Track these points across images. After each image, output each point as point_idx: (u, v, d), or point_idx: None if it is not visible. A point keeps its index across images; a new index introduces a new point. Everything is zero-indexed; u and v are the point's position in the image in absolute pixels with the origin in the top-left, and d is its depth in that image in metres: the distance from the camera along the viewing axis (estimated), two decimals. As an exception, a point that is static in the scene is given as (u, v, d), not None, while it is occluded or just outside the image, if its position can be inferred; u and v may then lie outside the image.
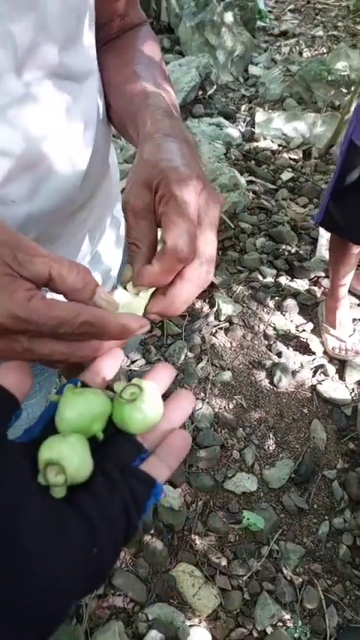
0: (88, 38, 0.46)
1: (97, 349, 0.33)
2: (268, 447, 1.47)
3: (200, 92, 2.81)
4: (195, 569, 1.26)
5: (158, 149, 0.36)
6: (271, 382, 1.61)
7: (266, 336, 1.74)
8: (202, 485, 1.38)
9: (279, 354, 1.68)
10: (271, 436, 1.49)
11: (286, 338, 1.74)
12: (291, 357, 1.68)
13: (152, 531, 1.30)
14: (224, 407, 1.55)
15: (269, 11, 4.21)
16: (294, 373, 1.63)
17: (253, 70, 3.23)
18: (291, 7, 4.31)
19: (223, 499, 1.38)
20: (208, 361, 1.65)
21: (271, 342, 1.72)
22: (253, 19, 3.59)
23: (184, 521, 1.32)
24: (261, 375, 1.63)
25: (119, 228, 0.71)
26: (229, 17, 3.13)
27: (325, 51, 3.55)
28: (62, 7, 0.40)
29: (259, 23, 3.89)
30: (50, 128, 0.44)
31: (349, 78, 2.77)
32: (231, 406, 1.55)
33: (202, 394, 1.57)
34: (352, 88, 2.34)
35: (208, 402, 1.54)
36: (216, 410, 1.54)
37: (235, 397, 1.57)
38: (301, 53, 3.52)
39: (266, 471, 1.42)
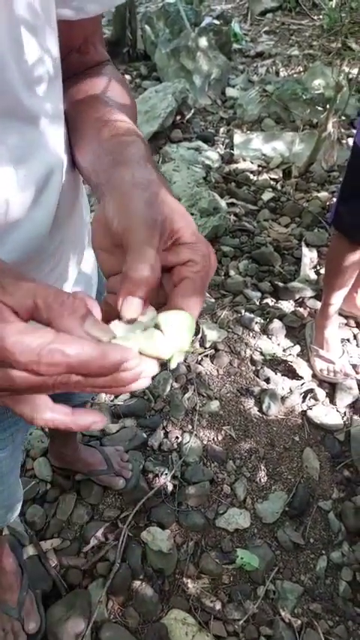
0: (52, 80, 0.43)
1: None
2: (260, 480, 1.42)
3: (178, 117, 2.83)
4: (188, 615, 1.19)
5: (164, 196, 0.33)
6: (260, 410, 1.57)
7: (253, 362, 1.70)
8: (193, 524, 1.32)
9: (267, 380, 1.64)
10: (263, 467, 1.44)
11: (274, 362, 1.70)
12: (279, 383, 1.63)
13: (141, 577, 1.24)
14: (213, 438, 1.50)
15: (245, 34, 4.29)
16: (283, 399, 1.59)
17: (231, 92, 3.26)
18: (266, 28, 4.39)
19: (215, 538, 1.32)
20: (194, 391, 1.61)
21: (259, 368, 1.68)
22: (228, 43, 3.64)
23: (175, 564, 1.26)
24: (249, 403, 1.58)
25: (91, 270, 0.68)
26: (203, 42, 3.18)
27: (301, 70, 3.60)
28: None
29: (235, 46, 3.95)
30: (10, 176, 0.40)
31: (325, 95, 2.79)
32: (220, 437, 1.50)
33: (190, 426, 1.52)
34: (328, 105, 2.35)
35: (195, 435, 1.50)
36: (204, 442, 1.49)
37: (224, 428, 1.52)
38: (277, 73, 3.57)
39: (259, 505, 1.37)
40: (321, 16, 4.39)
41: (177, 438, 1.49)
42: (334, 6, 4.43)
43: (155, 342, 0.29)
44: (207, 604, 1.21)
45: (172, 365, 0.32)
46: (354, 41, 3.76)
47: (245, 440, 1.50)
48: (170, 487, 1.38)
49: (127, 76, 3.51)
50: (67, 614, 1.14)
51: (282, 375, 1.66)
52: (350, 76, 3.06)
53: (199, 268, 0.32)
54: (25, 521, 1.30)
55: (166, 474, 1.40)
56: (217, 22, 3.70)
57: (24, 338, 0.25)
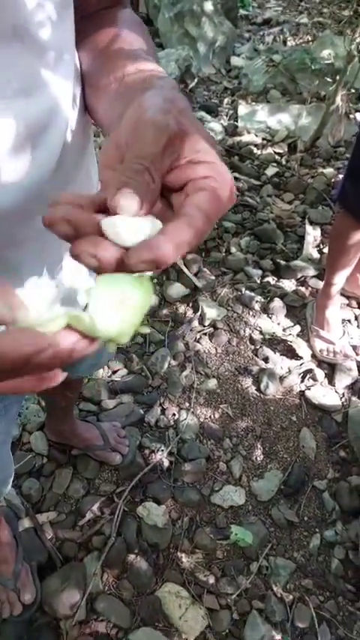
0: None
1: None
2: (256, 458, 1.42)
3: (181, 85, 2.72)
4: (182, 589, 1.21)
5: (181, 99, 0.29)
6: (258, 389, 1.56)
7: (252, 341, 1.68)
8: (188, 500, 1.33)
9: (265, 360, 1.62)
10: (259, 446, 1.44)
11: (273, 342, 1.68)
12: (278, 362, 1.62)
13: (136, 551, 1.25)
14: (210, 417, 1.50)
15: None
16: (281, 379, 1.58)
17: (236, 61, 3.14)
18: (274, -6, 4.21)
19: (210, 514, 1.33)
20: (192, 369, 1.59)
21: (258, 347, 1.66)
22: (234, 8, 3.49)
23: (170, 538, 1.27)
24: (247, 382, 1.57)
25: None
26: (209, 6, 3.04)
27: (310, 39, 3.46)
28: None
29: (242, 12, 3.79)
30: (12, 106, 0.37)
31: (334, 66, 2.69)
32: (217, 415, 1.50)
33: (187, 404, 1.51)
34: (337, 77, 2.26)
35: (193, 412, 1.49)
36: (201, 420, 1.48)
37: (221, 406, 1.52)
38: (285, 42, 3.44)
39: (254, 483, 1.37)
40: (332, -18, 4.20)
41: (174, 415, 1.48)
42: (346, -29, 4.23)
43: (83, 321, 0.22)
44: (200, 578, 1.23)
45: (110, 349, 0.26)
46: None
47: (242, 418, 1.49)
48: (166, 463, 1.38)
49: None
50: (63, 586, 1.16)
51: (281, 355, 1.65)
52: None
53: (216, 186, 0.26)
54: (21, 494, 1.30)
55: (163, 450, 1.39)
56: (223, -16, 3.53)
57: None
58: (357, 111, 2.52)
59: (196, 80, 2.81)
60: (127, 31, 0.46)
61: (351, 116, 2.47)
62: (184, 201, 0.26)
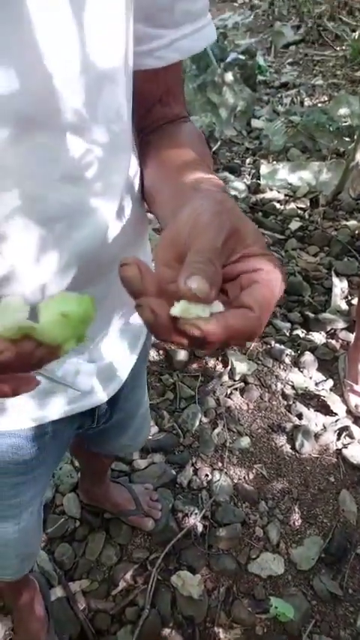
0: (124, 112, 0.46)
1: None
2: (294, 523, 1.36)
3: (205, 148, 2.88)
4: (220, 669, 1.13)
5: (233, 205, 0.32)
6: (293, 447, 1.51)
7: (284, 396, 1.66)
8: (224, 568, 1.27)
9: (299, 416, 1.59)
10: (297, 509, 1.38)
11: (306, 397, 1.65)
12: (312, 419, 1.58)
13: (171, 624, 1.19)
14: (244, 477, 1.46)
15: (269, 65, 4.38)
16: (317, 436, 1.54)
17: (256, 123, 3.31)
18: (290, 60, 4.47)
19: (247, 584, 1.26)
20: (224, 426, 1.57)
21: (290, 402, 1.63)
22: (253, 75, 3.72)
23: (206, 611, 1.21)
24: (281, 440, 1.54)
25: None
26: (229, 77, 3.25)
27: (326, 99, 3.63)
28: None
29: (260, 77, 4.03)
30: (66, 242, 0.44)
31: (351, 124, 2.80)
32: (251, 476, 1.46)
33: (220, 463, 1.48)
34: (356, 136, 2.35)
35: (226, 473, 1.45)
36: (235, 481, 1.44)
37: (255, 466, 1.48)
38: (302, 103, 3.61)
39: (293, 551, 1.30)
40: (344, 47, 4.45)
41: (207, 475, 1.45)
42: (357, 37, 4.50)
43: (36, 330, 0.27)
44: (240, 657, 1.15)
45: (62, 351, 0.29)
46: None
47: (278, 479, 1.45)
48: (200, 528, 1.34)
49: (155, 110, 3.62)
50: (95, 664, 1.11)
51: (315, 411, 1.61)
52: (376, 104, 3.07)
53: (271, 279, 0.29)
54: (54, 560, 1.28)
55: (196, 513, 1.36)
56: (242, 57, 3.80)
57: None
58: (377, 165, 2.59)
59: (219, 143, 2.97)
60: (188, 143, 0.51)
61: (371, 170, 2.53)
62: (240, 293, 0.29)
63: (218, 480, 1.43)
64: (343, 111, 3.01)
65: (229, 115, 3.23)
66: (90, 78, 0.40)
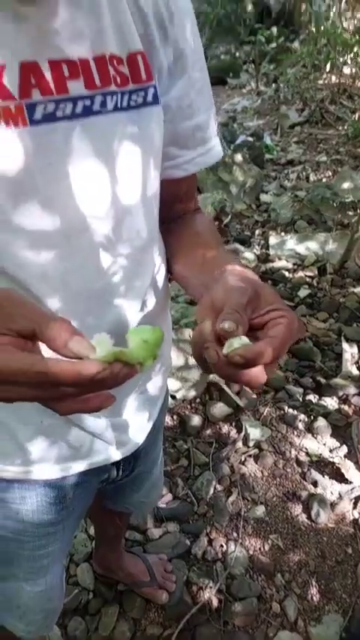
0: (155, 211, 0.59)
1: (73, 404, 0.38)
2: (312, 598, 1.32)
3: (217, 222, 3.08)
4: None
5: (255, 276, 0.45)
6: (309, 517, 1.50)
7: (299, 463, 1.66)
8: (241, 648, 1.23)
9: (314, 484, 1.59)
10: (314, 583, 1.35)
11: (320, 464, 1.65)
12: (328, 487, 1.58)
13: None
14: (259, 548, 1.44)
15: (276, 144, 4.74)
16: (332, 505, 1.52)
17: (265, 197, 3.54)
18: (295, 139, 4.84)
19: (265, 667, 1.21)
20: (238, 494, 1.57)
21: (305, 470, 1.63)
22: (261, 155, 4.04)
23: None
24: (297, 509, 1.52)
25: (160, 389, 0.75)
26: (238, 157, 3.54)
27: (330, 174, 3.89)
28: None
29: (268, 156, 4.36)
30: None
31: (356, 201, 2.98)
32: (267, 547, 1.44)
33: (235, 534, 1.47)
34: (359, 209, 2.51)
35: (241, 544, 1.44)
36: (250, 552, 1.42)
37: (271, 536, 1.46)
38: (308, 178, 3.87)
39: (312, 629, 1.26)
40: (345, 127, 4.81)
41: (222, 546, 1.43)
42: (357, 118, 4.88)
43: (125, 354, 0.37)
44: None
45: (140, 370, 0.38)
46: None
47: (294, 551, 1.42)
48: (215, 602, 1.31)
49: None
50: None
51: (330, 478, 1.61)
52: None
53: (288, 321, 0.40)
54: (66, 634, 1.26)
55: (211, 587, 1.33)
56: (250, 138, 4.15)
57: (21, 364, 0.34)
58: (380, 235, 2.72)
59: (229, 217, 3.18)
60: (203, 229, 0.66)
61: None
62: (266, 331, 0.40)
63: (233, 552, 1.41)
64: (346, 185, 3.22)
65: (239, 190, 3.48)
66: (115, 212, 0.52)
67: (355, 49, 5.30)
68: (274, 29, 8.13)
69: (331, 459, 1.66)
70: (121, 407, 0.67)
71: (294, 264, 2.70)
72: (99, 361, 0.35)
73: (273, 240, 2.85)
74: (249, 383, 0.39)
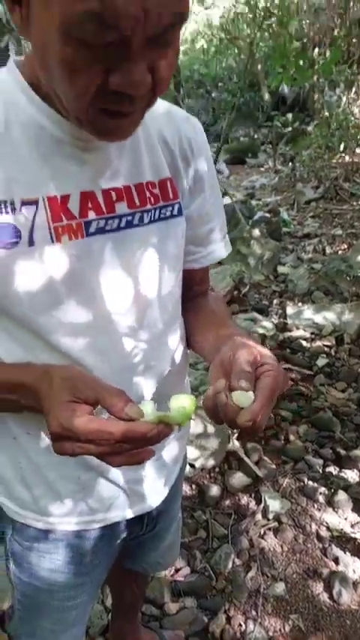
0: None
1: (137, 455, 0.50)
2: None
3: (235, 292, 3.23)
4: None
5: (255, 343, 0.59)
6: (331, 596, 1.45)
7: (320, 538, 1.63)
8: None
9: (336, 560, 1.55)
10: (338, 672, 1.28)
11: (342, 540, 1.62)
12: (349, 564, 1.53)
13: None
14: (279, 629, 1.39)
15: (292, 219, 5.01)
16: (355, 585, 1.47)
17: (282, 269, 3.71)
18: (311, 214, 5.11)
19: None
20: (257, 569, 1.54)
21: (326, 546, 1.60)
22: (278, 229, 4.27)
23: None
24: (318, 588, 1.48)
25: (178, 453, 0.84)
26: (256, 232, 3.77)
27: (345, 247, 4.06)
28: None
29: (285, 229, 4.60)
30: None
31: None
32: (287, 628, 1.39)
33: (254, 612, 1.43)
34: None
35: (260, 623, 1.40)
36: (270, 633, 1.38)
37: (292, 616, 1.41)
38: (324, 250, 4.05)
39: None
40: (359, 202, 5.07)
41: (240, 625, 1.39)
42: (369, 194, 5.14)
43: (168, 417, 0.50)
44: None
45: (177, 430, 0.51)
46: (392, 221, 4.27)
47: (316, 634, 1.37)
48: None
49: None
50: None
51: (352, 555, 1.57)
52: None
53: (275, 373, 0.52)
54: None
55: (230, 671, 1.28)
56: (267, 215, 4.42)
57: (97, 426, 0.47)
58: None
59: (248, 286, 3.33)
60: (216, 307, 0.80)
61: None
62: (258, 383, 0.51)
63: (252, 632, 1.37)
64: (360, 258, 3.36)
65: (257, 262, 3.66)
66: (137, 309, 0.64)
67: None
68: (290, 115, 8.83)
69: (352, 535, 1.62)
70: (140, 470, 0.75)
71: (312, 334, 2.77)
72: (149, 423, 0.48)
73: (290, 309, 2.95)
74: (252, 429, 0.50)
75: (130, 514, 0.75)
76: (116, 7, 0.39)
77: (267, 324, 2.85)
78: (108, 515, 0.73)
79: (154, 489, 0.78)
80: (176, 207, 0.66)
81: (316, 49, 7.91)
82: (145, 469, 0.75)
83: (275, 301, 3.21)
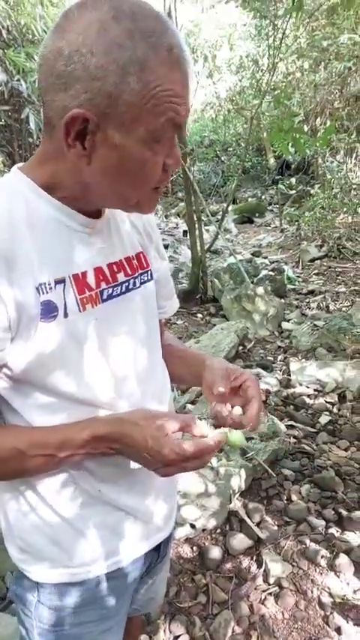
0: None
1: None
2: None
3: (240, 347, 3.31)
4: None
5: (227, 363, 0.82)
6: (333, 670, 1.40)
7: (321, 604, 1.59)
8: None
9: (338, 630, 1.50)
10: None
11: (344, 607, 1.58)
12: (352, 634, 1.48)
13: None
14: None
15: (297, 276, 5.16)
16: (358, 657, 1.42)
17: (286, 325, 3.80)
18: (315, 271, 5.27)
19: None
20: (258, 638, 1.50)
21: (328, 613, 1.56)
22: (282, 286, 4.41)
23: None
24: (319, 660, 1.43)
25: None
26: (260, 290, 3.90)
27: (348, 304, 4.16)
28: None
29: (290, 286, 4.74)
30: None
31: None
32: None
33: None
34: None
35: None
36: None
37: None
38: (328, 307, 4.15)
39: None
40: (362, 260, 5.23)
41: None
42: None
43: (228, 437, 0.69)
44: None
45: (235, 449, 0.70)
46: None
47: None
48: None
49: (199, 315, 4.26)
50: None
51: (354, 624, 1.52)
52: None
53: (252, 381, 0.76)
54: None
55: None
56: (272, 273, 4.58)
57: (191, 448, 0.64)
58: None
59: (252, 342, 3.41)
60: (173, 343, 0.98)
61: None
62: (244, 394, 0.75)
63: None
64: (363, 315, 3.44)
65: (262, 318, 3.77)
66: (137, 353, 0.78)
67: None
68: (294, 179, 9.29)
69: (355, 602, 1.58)
70: (156, 499, 0.82)
71: (315, 390, 2.81)
72: (216, 439, 0.66)
73: (294, 366, 3.01)
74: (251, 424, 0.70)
75: (151, 544, 0.82)
76: (180, 112, 0.59)
77: (271, 380, 2.89)
78: (134, 549, 0.79)
79: (169, 516, 0.86)
80: (149, 273, 0.82)
81: (318, 119, 8.48)
82: (160, 498, 0.82)
83: (280, 357, 3.27)
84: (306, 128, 7.69)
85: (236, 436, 0.69)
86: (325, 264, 5.42)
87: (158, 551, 0.87)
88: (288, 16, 4.22)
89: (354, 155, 7.30)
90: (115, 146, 0.59)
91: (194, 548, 1.83)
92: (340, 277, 4.97)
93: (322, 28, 6.80)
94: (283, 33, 4.53)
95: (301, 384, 2.86)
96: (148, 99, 0.56)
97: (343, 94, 7.77)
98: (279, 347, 3.46)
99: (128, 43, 0.54)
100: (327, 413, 2.57)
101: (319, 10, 5.76)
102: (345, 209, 6.15)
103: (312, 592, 1.64)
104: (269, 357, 3.30)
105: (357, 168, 7.25)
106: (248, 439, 2.22)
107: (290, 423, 2.52)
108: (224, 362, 0.81)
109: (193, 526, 1.86)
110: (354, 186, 6.21)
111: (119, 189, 0.64)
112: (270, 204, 9.58)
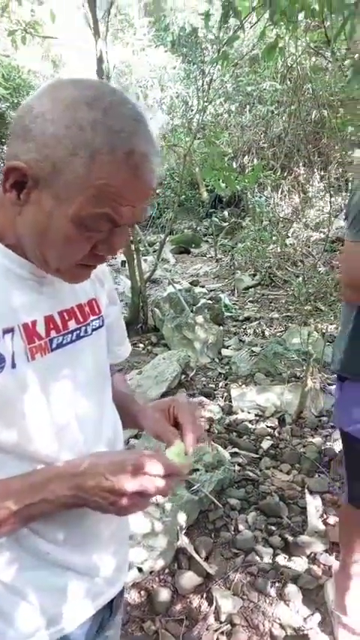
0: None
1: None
2: None
3: (183, 376, 3.30)
4: None
5: (160, 403, 0.84)
6: None
7: (273, 637, 1.57)
8: None
9: (291, 662, 1.48)
10: None
11: (295, 638, 1.56)
12: (305, 665, 1.47)
13: None
14: None
15: (233, 304, 5.32)
16: None
17: (226, 352, 3.87)
18: (250, 298, 5.47)
19: None
20: None
21: (280, 646, 1.53)
22: (220, 314, 4.52)
23: None
24: None
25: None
26: (200, 318, 3.96)
27: (282, 329, 4.34)
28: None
29: (227, 314, 4.87)
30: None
31: (302, 351, 3.32)
32: None
33: None
34: (306, 364, 2.80)
35: None
36: None
37: None
38: (263, 332, 4.29)
39: None
40: (292, 288, 5.51)
41: None
42: (300, 281, 5.62)
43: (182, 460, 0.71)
44: None
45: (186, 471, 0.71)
46: (322, 305, 4.65)
47: None
48: None
49: (141, 345, 4.22)
50: None
51: (306, 655, 1.50)
52: (323, 331, 3.70)
53: (184, 415, 0.78)
54: None
55: None
56: (210, 301, 4.68)
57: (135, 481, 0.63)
58: (330, 384, 2.98)
59: (194, 370, 3.42)
60: (122, 388, 0.93)
61: (325, 389, 2.90)
62: (181, 420, 0.78)
63: None
64: (295, 340, 3.60)
65: (202, 346, 3.81)
66: (95, 395, 0.77)
67: (294, 225, 6.40)
68: (226, 212, 9.73)
69: (304, 631, 1.57)
70: (107, 553, 0.78)
71: (256, 416, 2.85)
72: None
73: (235, 392, 3.05)
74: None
75: (102, 602, 0.77)
76: (122, 213, 0.60)
77: (214, 408, 2.91)
78: (83, 612, 0.74)
79: (121, 568, 0.82)
80: (101, 319, 0.81)
81: (246, 157, 9.01)
82: (110, 550, 0.78)
83: (221, 384, 3.31)
84: (235, 165, 8.13)
85: (175, 450, 0.71)
86: (258, 291, 5.64)
87: (111, 607, 0.83)
88: (215, 63, 4.51)
89: (279, 191, 7.79)
90: (45, 211, 0.60)
91: (142, 592, 1.74)
92: (272, 304, 5.19)
93: (246, 75, 7.33)
94: (211, 78, 4.82)
95: (242, 410, 2.90)
96: (88, 187, 0.58)
97: (267, 134, 8.36)
98: (220, 374, 3.50)
99: (89, 129, 0.56)
100: (269, 437, 2.62)
101: (242, 59, 6.21)
102: (274, 240, 6.49)
103: (263, 625, 1.61)
104: (211, 385, 3.33)
105: (283, 203, 7.74)
106: (194, 470, 2.18)
107: (234, 450, 2.53)
108: (157, 405, 0.83)
109: (140, 569, 1.78)
110: (281, 219, 6.60)
111: (42, 251, 0.64)
112: (205, 235, 9.90)
